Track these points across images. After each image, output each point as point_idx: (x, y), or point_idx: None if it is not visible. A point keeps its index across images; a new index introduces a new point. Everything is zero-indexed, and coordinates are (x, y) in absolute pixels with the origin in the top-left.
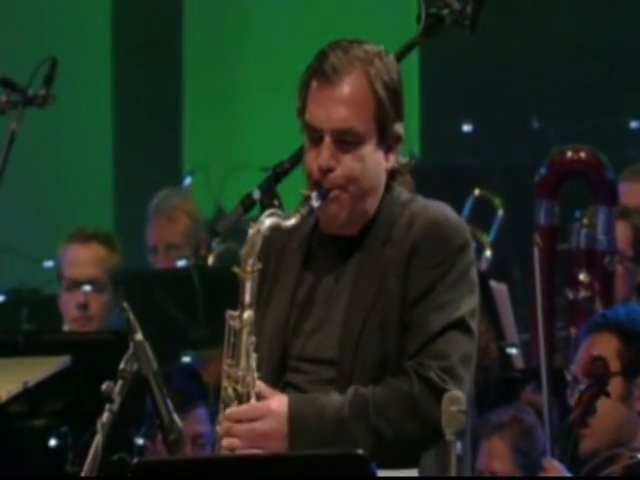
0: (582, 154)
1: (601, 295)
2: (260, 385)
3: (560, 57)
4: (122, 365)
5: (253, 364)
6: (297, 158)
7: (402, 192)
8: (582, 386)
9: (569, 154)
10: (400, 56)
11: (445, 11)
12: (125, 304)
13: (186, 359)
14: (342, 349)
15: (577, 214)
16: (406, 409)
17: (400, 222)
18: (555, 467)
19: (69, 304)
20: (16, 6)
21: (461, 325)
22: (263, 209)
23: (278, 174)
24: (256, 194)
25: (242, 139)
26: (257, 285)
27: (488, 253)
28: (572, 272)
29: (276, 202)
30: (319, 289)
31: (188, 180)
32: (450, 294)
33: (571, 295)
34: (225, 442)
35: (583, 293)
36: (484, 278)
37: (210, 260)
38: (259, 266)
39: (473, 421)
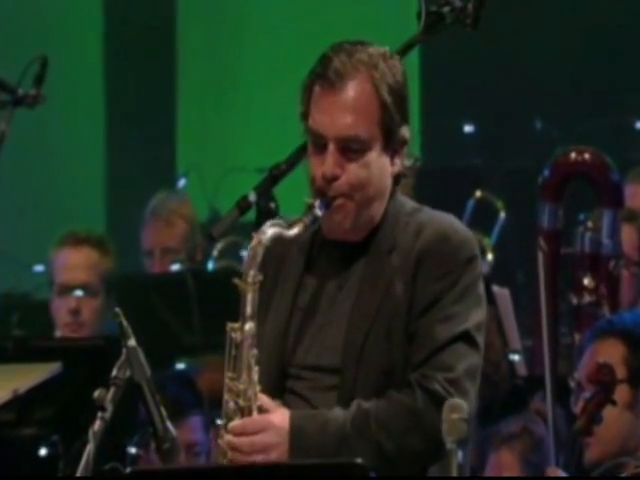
0: (586, 155)
1: (606, 300)
2: (263, 398)
3: (564, 56)
4: (114, 372)
5: (255, 377)
6: (294, 160)
7: (407, 200)
8: (587, 394)
9: (573, 155)
10: (400, 55)
11: (446, 9)
12: (118, 309)
13: (180, 366)
14: (345, 357)
15: (581, 217)
16: (409, 423)
17: (407, 230)
18: (559, 476)
19: (61, 309)
20: (6, 4)
21: (467, 338)
22: (259, 212)
23: (275, 176)
24: (252, 196)
25: (237, 140)
26: (258, 297)
27: (490, 257)
28: (576, 277)
29: (272, 205)
30: (321, 295)
31: (182, 182)
32: (457, 306)
33: (575, 300)
34: (230, 455)
35: (588, 298)
36: (486, 282)
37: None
38: (260, 278)
39: (477, 434)
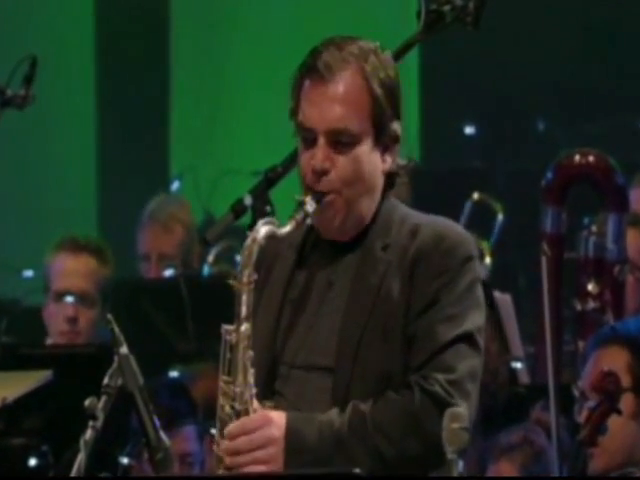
0: (590, 158)
1: (611, 306)
2: (257, 406)
3: (567, 56)
4: (106, 380)
5: (251, 380)
6: (290, 162)
7: (400, 204)
8: (591, 403)
9: (577, 158)
10: (399, 54)
11: (446, 7)
12: (109, 315)
13: (174, 374)
14: (340, 356)
15: (585, 221)
16: (407, 426)
17: (402, 230)
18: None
19: (56, 316)
20: None
21: (469, 339)
22: (255, 215)
23: (270, 179)
24: (247, 200)
25: (232, 141)
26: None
27: (488, 260)
28: (580, 282)
29: (268, 208)
30: (312, 292)
31: (176, 185)
32: (456, 307)
33: (579, 306)
34: (228, 461)
35: (592, 304)
36: (487, 288)
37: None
38: (255, 277)
39: (479, 445)
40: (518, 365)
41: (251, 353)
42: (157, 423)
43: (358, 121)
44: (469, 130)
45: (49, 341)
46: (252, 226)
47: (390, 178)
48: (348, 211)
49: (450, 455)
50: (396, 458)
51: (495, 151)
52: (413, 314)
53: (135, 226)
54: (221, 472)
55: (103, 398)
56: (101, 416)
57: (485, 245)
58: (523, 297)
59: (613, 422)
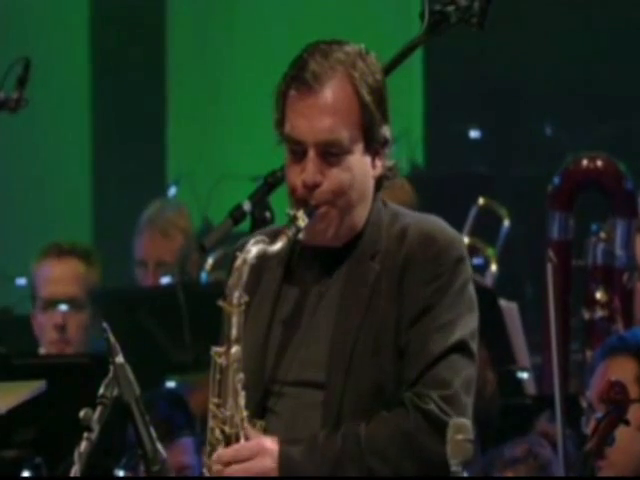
0: (599, 162)
1: (620, 315)
2: (247, 428)
3: (575, 58)
4: (101, 390)
5: (242, 402)
6: None
7: (389, 205)
8: (599, 414)
9: (585, 163)
10: (402, 56)
11: (451, 8)
12: (105, 324)
13: (171, 384)
14: (330, 371)
15: (593, 227)
16: (403, 447)
17: (390, 234)
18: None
19: (45, 325)
20: None
21: (462, 348)
22: (254, 222)
23: (270, 184)
24: (246, 206)
25: (231, 146)
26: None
27: (494, 268)
28: (588, 290)
29: (268, 214)
30: (301, 306)
31: (172, 190)
32: (449, 314)
33: (587, 315)
34: None
35: (600, 313)
36: (492, 296)
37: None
38: (246, 299)
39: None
40: (524, 375)
41: (241, 376)
42: (154, 435)
43: (348, 130)
44: (474, 134)
45: (42, 351)
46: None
47: (379, 181)
48: (341, 221)
49: (454, 468)
50: (392, 479)
51: (501, 155)
52: (404, 324)
53: (131, 233)
54: None
55: (98, 409)
56: (96, 428)
57: (491, 252)
58: (530, 306)
59: (621, 433)
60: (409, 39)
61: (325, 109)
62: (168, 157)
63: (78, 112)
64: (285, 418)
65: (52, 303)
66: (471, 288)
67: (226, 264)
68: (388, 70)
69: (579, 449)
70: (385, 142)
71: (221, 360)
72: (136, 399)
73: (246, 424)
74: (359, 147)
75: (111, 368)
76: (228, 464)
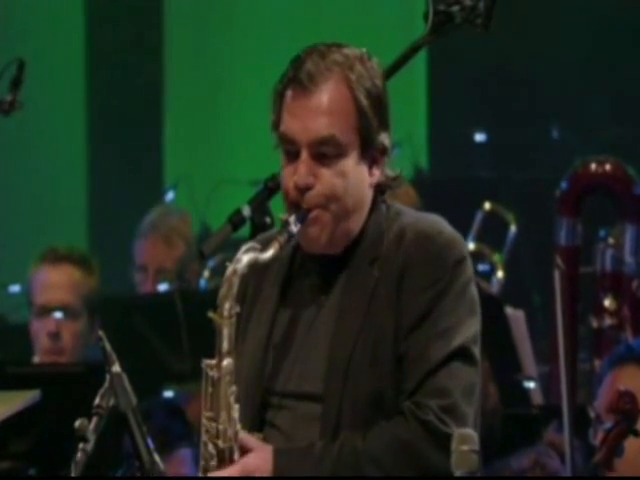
0: (607, 166)
1: (629, 323)
2: (243, 436)
3: (583, 59)
4: (97, 400)
5: (235, 416)
6: None
7: (392, 206)
8: (607, 424)
9: (593, 166)
10: (405, 58)
11: (455, 8)
12: (101, 332)
13: (168, 394)
14: (328, 382)
15: (602, 233)
16: (402, 457)
17: (389, 237)
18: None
19: (39, 333)
20: None
21: (463, 354)
22: (254, 227)
23: (270, 189)
24: (246, 211)
25: (230, 149)
26: (236, 330)
27: (500, 274)
28: (596, 298)
29: (268, 220)
30: (300, 316)
31: (170, 195)
32: (449, 319)
33: (595, 323)
34: None
35: (609, 321)
36: (498, 304)
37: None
38: (237, 310)
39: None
40: (531, 385)
41: (234, 388)
42: (151, 445)
43: (343, 132)
44: (479, 137)
45: (36, 359)
46: (252, 237)
47: (380, 190)
48: (335, 227)
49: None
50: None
51: (506, 159)
52: (403, 331)
53: (128, 238)
54: None
55: (94, 419)
56: (92, 438)
57: (497, 258)
58: (537, 313)
59: (630, 444)
60: (412, 40)
61: (319, 110)
62: (165, 160)
63: (73, 114)
64: (284, 431)
65: (46, 310)
66: (472, 289)
67: (224, 271)
68: (391, 72)
69: (587, 460)
70: (384, 150)
71: (213, 373)
72: (133, 409)
73: (241, 435)
74: (355, 152)
75: (107, 377)
76: None
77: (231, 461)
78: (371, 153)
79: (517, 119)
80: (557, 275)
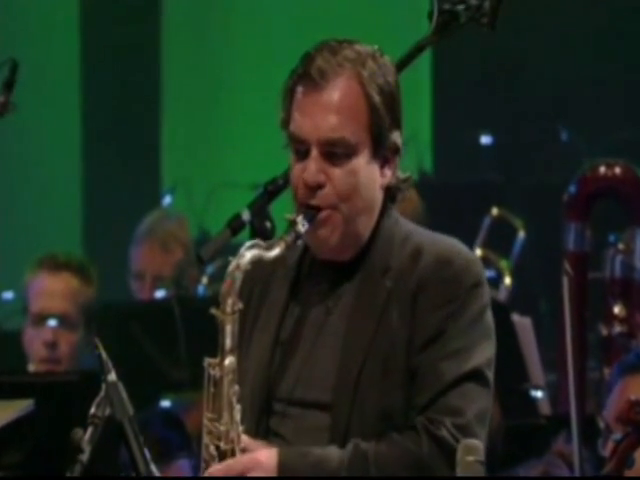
0: (617, 169)
1: (639, 330)
2: (246, 440)
3: (592, 60)
4: (93, 410)
5: (237, 417)
6: None
7: (402, 219)
8: (617, 435)
9: (602, 169)
10: (409, 58)
11: (460, 7)
12: (97, 340)
13: (166, 403)
14: (338, 392)
15: (611, 238)
16: (413, 471)
17: (403, 252)
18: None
19: (35, 341)
20: None
21: (477, 377)
22: (253, 232)
23: (271, 193)
24: (245, 215)
25: (229, 152)
26: (239, 325)
27: (508, 281)
28: (606, 304)
29: (268, 224)
30: (308, 322)
31: (167, 199)
32: (464, 339)
33: (605, 330)
34: None
35: (618, 328)
36: (505, 310)
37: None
38: (240, 306)
39: None
40: (538, 394)
41: (237, 388)
42: (148, 456)
43: (354, 130)
44: (485, 139)
45: (30, 368)
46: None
47: (391, 192)
48: (345, 228)
49: None
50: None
51: (514, 162)
52: (416, 347)
53: (124, 244)
54: None
55: (90, 429)
56: (88, 449)
57: (505, 265)
58: (544, 321)
59: None
60: (417, 39)
61: (330, 107)
62: (163, 163)
63: (68, 116)
64: (288, 440)
65: (42, 318)
66: (489, 315)
67: (223, 277)
68: None
69: (597, 471)
70: (396, 149)
71: (215, 372)
72: (129, 419)
73: (243, 437)
74: (366, 151)
75: (103, 386)
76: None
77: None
78: (383, 152)
79: (524, 120)
80: (565, 281)
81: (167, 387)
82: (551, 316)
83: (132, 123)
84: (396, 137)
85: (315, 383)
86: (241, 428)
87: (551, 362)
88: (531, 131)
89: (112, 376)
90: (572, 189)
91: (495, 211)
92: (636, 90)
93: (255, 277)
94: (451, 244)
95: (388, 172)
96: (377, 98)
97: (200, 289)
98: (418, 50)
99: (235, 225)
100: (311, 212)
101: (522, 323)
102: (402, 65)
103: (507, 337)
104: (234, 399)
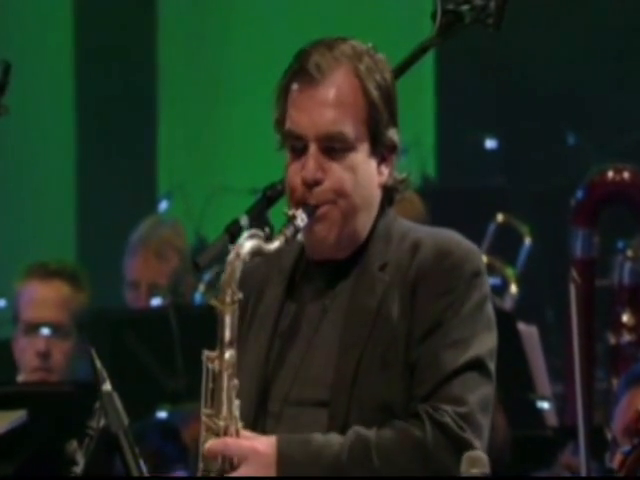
0: (625, 174)
1: None
2: (245, 434)
3: (600, 61)
4: (87, 421)
5: (236, 412)
6: None
7: (401, 219)
8: (626, 447)
9: (610, 174)
10: (412, 59)
11: (465, 7)
12: (92, 349)
13: (162, 414)
14: (335, 387)
15: (620, 245)
16: (416, 457)
17: (402, 246)
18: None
19: (27, 351)
20: None
21: (478, 366)
22: None
23: (270, 198)
24: (244, 221)
25: (226, 156)
26: (238, 319)
27: (514, 289)
28: (614, 312)
29: (267, 230)
30: (304, 321)
31: (164, 205)
32: (465, 329)
33: (613, 339)
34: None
35: (627, 337)
36: (511, 319)
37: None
38: (240, 296)
39: None
40: (545, 405)
41: (236, 382)
42: (144, 468)
43: (353, 125)
44: (490, 144)
45: (20, 378)
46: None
47: (388, 193)
48: (343, 225)
49: None
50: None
51: (519, 167)
52: (415, 339)
53: (119, 251)
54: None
55: (84, 441)
56: (82, 461)
57: (510, 272)
58: (551, 329)
59: None
60: (420, 41)
61: (327, 102)
62: (159, 168)
63: (62, 119)
64: None
65: (34, 327)
66: (489, 306)
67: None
68: (397, 74)
69: None
70: (393, 147)
71: (214, 365)
72: (125, 430)
73: (243, 432)
74: (364, 147)
75: (98, 397)
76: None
77: (230, 460)
78: (380, 149)
79: (531, 125)
80: (572, 289)
81: (163, 398)
82: (558, 325)
83: (127, 127)
84: (393, 134)
85: (312, 381)
86: (240, 424)
87: (558, 372)
88: (537, 134)
89: (107, 386)
90: (580, 194)
91: (500, 217)
92: None
93: (250, 283)
94: (450, 235)
95: (385, 170)
96: (375, 93)
97: (197, 297)
98: (421, 52)
99: (233, 231)
100: (310, 207)
101: (528, 332)
102: (405, 67)
103: (513, 346)
104: (233, 394)
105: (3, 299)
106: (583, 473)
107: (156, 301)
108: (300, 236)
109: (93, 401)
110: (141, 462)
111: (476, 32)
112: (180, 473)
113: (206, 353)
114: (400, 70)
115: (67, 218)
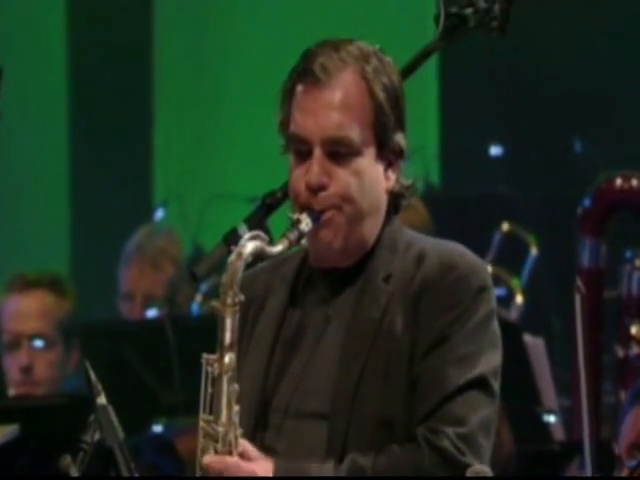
0: (634, 182)
1: None
2: (245, 445)
3: (608, 64)
4: (82, 435)
5: (236, 418)
6: None
7: (406, 229)
8: (633, 462)
9: (618, 182)
10: (415, 64)
11: (469, 10)
12: (86, 361)
13: (158, 428)
14: (335, 402)
15: (628, 254)
16: None
17: (406, 257)
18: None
19: (12, 366)
20: None
21: (482, 385)
22: None
23: (269, 205)
24: (242, 229)
25: (224, 162)
26: (239, 323)
27: (519, 300)
28: (622, 324)
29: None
30: (307, 330)
31: (160, 213)
32: (469, 346)
33: (621, 352)
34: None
35: (636, 349)
36: (516, 331)
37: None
38: (241, 298)
39: None
40: (551, 418)
41: (236, 387)
42: None
43: (359, 129)
44: (495, 151)
45: (10, 392)
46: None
47: (394, 199)
48: (349, 231)
49: None
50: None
51: (525, 175)
52: (419, 353)
53: (114, 261)
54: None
55: (78, 455)
56: (76, 476)
57: (516, 283)
58: (557, 341)
59: None
60: (423, 45)
61: (333, 105)
62: (155, 175)
63: (56, 126)
64: (285, 455)
65: (16, 341)
66: (495, 322)
67: (219, 294)
68: None
69: None
70: (400, 152)
71: (213, 369)
72: (120, 444)
73: (241, 441)
74: (370, 151)
75: (92, 410)
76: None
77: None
78: (387, 154)
79: (536, 131)
80: (579, 299)
81: (160, 411)
82: (565, 337)
83: (122, 133)
84: (400, 139)
85: (313, 392)
86: (239, 431)
87: (564, 385)
88: (543, 141)
89: (102, 399)
90: (587, 202)
91: (506, 226)
92: None
93: (252, 291)
94: (455, 248)
95: (392, 175)
96: (382, 95)
97: (194, 307)
98: (424, 56)
99: (231, 240)
100: (315, 213)
101: (534, 344)
102: (408, 72)
103: (519, 358)
104: (233, 399)
105: None
106: None
107: (152, 312)
108: (304, 242)
109: (87, 414)
110: (136, 476)
111: (481, 36)
112: None
113: (205, 357)
114: (403, 74)
115: (61, 227)
